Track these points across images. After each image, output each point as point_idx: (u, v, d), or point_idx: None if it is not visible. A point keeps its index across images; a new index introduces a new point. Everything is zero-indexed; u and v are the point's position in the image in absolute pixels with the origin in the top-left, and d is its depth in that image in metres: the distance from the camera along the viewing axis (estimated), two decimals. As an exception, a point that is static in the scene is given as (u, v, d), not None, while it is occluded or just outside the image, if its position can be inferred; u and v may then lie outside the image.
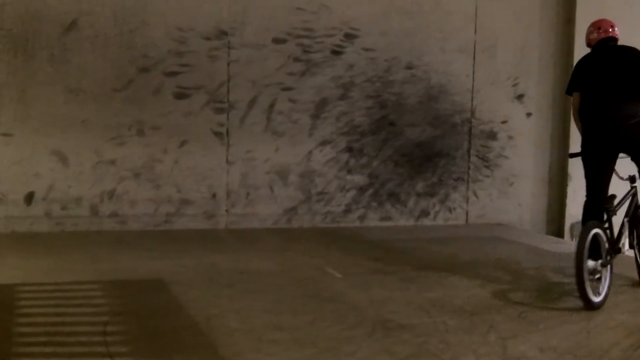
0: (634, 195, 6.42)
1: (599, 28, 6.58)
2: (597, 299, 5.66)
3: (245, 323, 4.97)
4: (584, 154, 6.37)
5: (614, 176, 6.39)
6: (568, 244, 9.26)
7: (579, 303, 5.67)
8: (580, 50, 9.88)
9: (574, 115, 6.62)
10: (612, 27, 6.57)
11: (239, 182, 8.86)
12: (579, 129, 6.51)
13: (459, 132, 9.70)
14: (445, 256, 7.65)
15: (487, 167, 9.86)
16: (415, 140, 9.52)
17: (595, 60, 6.50)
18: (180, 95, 8.59)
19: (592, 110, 6.28)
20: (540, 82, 10.03)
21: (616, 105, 6.18)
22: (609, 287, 5.85)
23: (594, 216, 6.19)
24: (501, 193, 9.96)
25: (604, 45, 6.53)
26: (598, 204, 6.28)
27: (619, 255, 6.22)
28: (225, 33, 8.70)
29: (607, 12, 9.97)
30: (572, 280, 6.57)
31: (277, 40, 8.87)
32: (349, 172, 9.28)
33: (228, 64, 8.73)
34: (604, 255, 5.88)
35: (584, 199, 6.48)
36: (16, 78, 8.09)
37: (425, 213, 9.64)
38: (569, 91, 6.65)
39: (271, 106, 8.90)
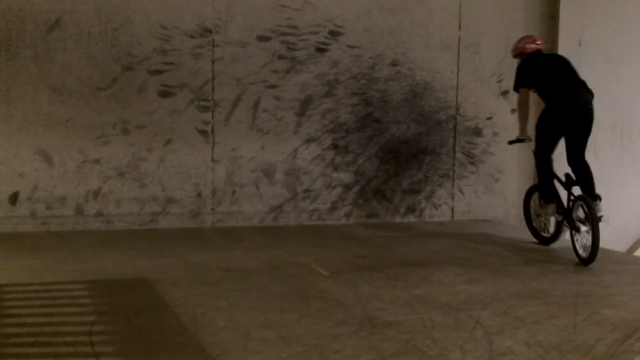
0: None
1: (535, 41, 8.28)
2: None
3: (231, 321, 4.96)
4: (553, 128, 7.70)
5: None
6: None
7: (565, 297, 5.72)
8: (565, 45, 10.01)
9: (524, 106, 8.03)
10: (542, 41, 8.41)
11: (225, 181, 8.85)
12: (524, 119, 8.04)
13: (444, 128, 9.72)
14: (431, 253, 7.67)
15: (472, 163, 9.89)
16: (401, 137, 9.53)
17: (543, 62, 8.01)
18: (164, 94, 8.57)
19: (566, 95, 7.61)
20: (524, 78, 10.05)
21: (583, 92, 7.64)
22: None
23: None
24: (487, 189, 10.00)
25: (540, 53, 8.20)
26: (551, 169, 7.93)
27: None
28: (209, 31, 8.68)
29: (589, 8, 10.08)
30: (560, 274, 6.63)
31: (261, 38, 8.86)
32: (335, 169, 9.28)
33: (212, 62, 8.71)
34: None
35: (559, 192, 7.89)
36: (-1, 77, 8.06)
37: (411, 210, 9.66)
38: (517, 87, 8.06)
39: (256, 104, 8.89)
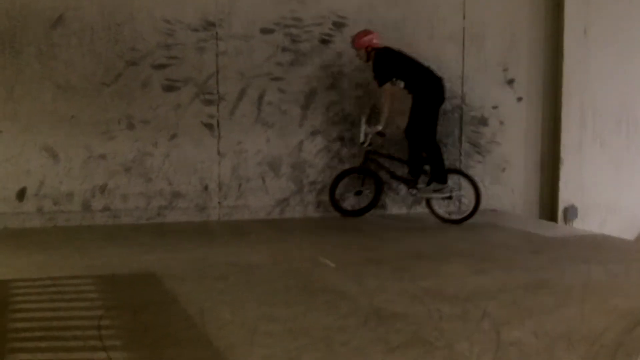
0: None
1: (377, 37, 8.76)
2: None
3: (238, 315, 4.97)
4: (434, 111, 8.75)
5: None
6: (562, 228, 9.29)
7: (573, 287, 5.72)
8: (571, 35, 9.97)
9: (388, 99, 8.72)
10: None
11: (231, 174, 8.85)
12: (387, 110, 8.74)
13: (450, 118, 9.69)
14: (438, 244, 7.66)
15: (478, 153, 9.86)
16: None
17: (402, 56, 8.77)
18: (169, 88, 8.57)
19: (439, 83, 8.73)
20: (530, 67, 10.02)
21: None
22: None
23: None
24: (493, 179, 9.96)
25: (384, 47, 8.76)
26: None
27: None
28: (212, 24, 8.67)
29: (595, -2, 10.02)
30: (567, 264, 6.62)
31: (265, 31, 8.85)
32: (341, 161, 9.26)
33: (217, 56, 8.70)
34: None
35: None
36: (4, 75, 8.06)
37: (418, 201, 9.63)
38: (385, 82, 8.66)
39: (261, 97, 8.88)
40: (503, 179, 10.02)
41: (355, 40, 8.76)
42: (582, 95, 10.06)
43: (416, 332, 4.61)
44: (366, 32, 8.77)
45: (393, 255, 7.00)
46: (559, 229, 9.19)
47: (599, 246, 7.59)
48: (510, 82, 9.91)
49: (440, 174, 8.75)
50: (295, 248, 7.35)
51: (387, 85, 8.70)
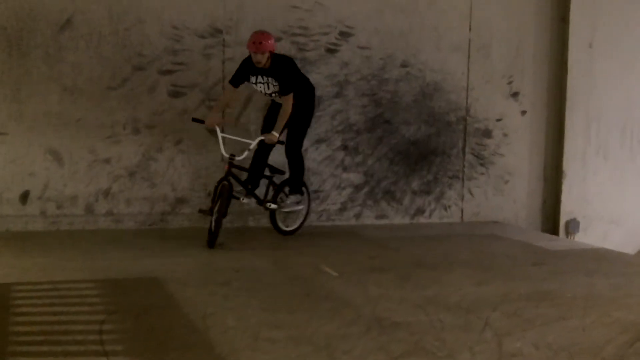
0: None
1: None
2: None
3: (241, 321, 4.97)
4: (304, 120, 8.29)
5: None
6: (563, 241, 9.29)
7: (575, 299, 5.72)
8: (576, 48, 10.00)
9: (291, 107, 7.95)
10: None
11: (235, 181, 8.84)
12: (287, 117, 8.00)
13: (454, 130, 9.71)
14: (440, 254, 7.66)
15: (482, 164, 9.87)
16: (411, 138, 9.53)
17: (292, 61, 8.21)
18: (175, 94, 8.58)
19: (313, 92, 8.30)
20: (535, 80, 10.05)
21: None
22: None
23: None
24: (496, 191, 9.98)
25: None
26: None
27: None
28: (220, 31, 8.69)
29: (599, 10, 10.06)
30: (569, 275, 6.62)
31: (272, 39, 8.86)
32: (345, 170, 9.28)
33: (223, 62, 8.72)
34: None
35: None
36: (11, 76, 8.07)
37: (420, 211, 9.65)
38: (292, 90, 7.92)
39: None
40: (506, 191, 10.05)
41: (264, 43, 7.70)
42: (586, 108, 10.08)
43: (418, 342, 4.62)
44: (269, 35, 7.80)
45: (395, 265, 7.01)
46: (560, 241, 9.19)
47: (601, 259, 7.59)
48: (515, 95, 9.94)
49: (298, 185, 8.43)
50: (298, 255, 7.35)
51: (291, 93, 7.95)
